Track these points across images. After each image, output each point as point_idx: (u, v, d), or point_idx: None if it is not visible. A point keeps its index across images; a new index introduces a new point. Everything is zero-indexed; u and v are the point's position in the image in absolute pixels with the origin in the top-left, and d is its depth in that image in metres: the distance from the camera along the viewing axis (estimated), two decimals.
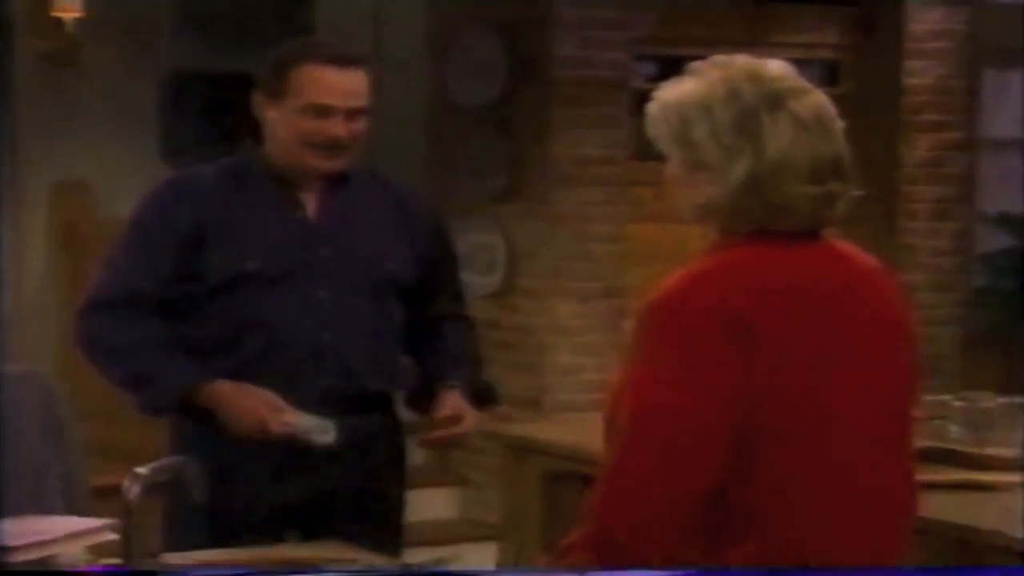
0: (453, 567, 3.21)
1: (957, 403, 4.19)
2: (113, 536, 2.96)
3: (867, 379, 2.35)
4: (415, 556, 3.47)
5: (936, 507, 3.20)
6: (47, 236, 6.87)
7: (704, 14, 6.57)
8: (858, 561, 2.32)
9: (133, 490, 2.70)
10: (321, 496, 3.43)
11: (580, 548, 2.28)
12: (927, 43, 6.85)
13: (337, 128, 3.39)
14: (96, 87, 6.96)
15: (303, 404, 3.34)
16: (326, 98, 3.38)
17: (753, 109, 2.33)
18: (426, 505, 6.07)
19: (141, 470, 2.74)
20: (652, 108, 2.41)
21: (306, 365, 3.39)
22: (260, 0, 7.47)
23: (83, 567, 2.91)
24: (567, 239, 6.27)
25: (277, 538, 3.37)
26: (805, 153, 2.33)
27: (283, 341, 3.39)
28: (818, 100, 2.37)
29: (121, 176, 6.61)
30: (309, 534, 3.40)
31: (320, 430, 3.33)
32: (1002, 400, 4.24)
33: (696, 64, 2.40)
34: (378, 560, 3.11)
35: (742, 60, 2.39)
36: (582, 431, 4.29)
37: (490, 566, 5.72)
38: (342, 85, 3.39)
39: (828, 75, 6.74)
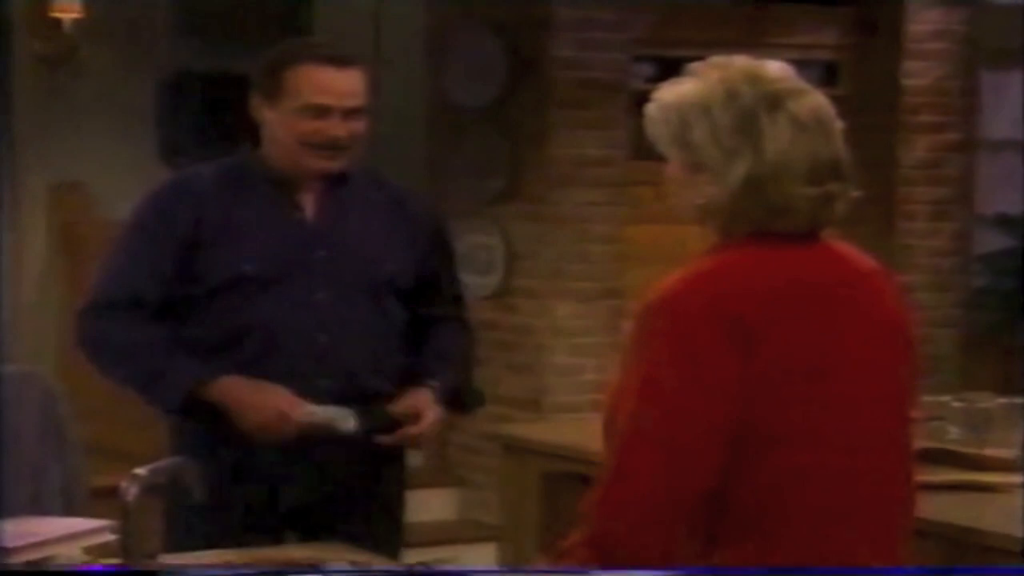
0: (453, 567, 3.21)
1: (956, 404, 4.19)
2: (112, 537, 2.96)
3: (866, 380, 2.35)
4: (414, 557, 3.48)
5: (935, 508, 3.20)
6: (46, 237, 6.87)
7: (703, 15, 6.57)
8: (857, 561, 2.33)
9: (131, 491, 2.70)
10: (321, 496, 3.44)
11: (580, 548, 2.28)
12: (926, 44, 6.85)
13: (335, 128, 3.39)
14: (94, 88, 6.97)
15: None
16: (323, 98, 3.38)
17: (752, 110, 2.33)
18: (425, 506, 6.07)
19: (140, 471, 2.74)
20: (651, 109, 2.41)
21: (304, 367, 3.39)
22: (258, 2, 7.47)
23: (83, 567, 2.91)
24: (566, 240, 6.27)
25: (277, 538, 3.37)
26: (804, 154, 2.33)
27: (281, 343, 3.38)
28: (817, 101, 2.37)
29: (119, 177, 6.61)
30: (309, 534, 3.40)
31: (341, 417, 3.34)
32: (1001, 400, 4.25)
33: (695, 65, 2.40)
34: (378, 560, 3.11)
35: (741, 61, 2.39)
36: (581, 432, 4.29)
37: (489, 567, 5.73)
38: (338, 85, 3.39)
39: (827, 76, 6.73)
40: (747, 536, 2.30)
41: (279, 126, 3.42)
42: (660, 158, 2.41)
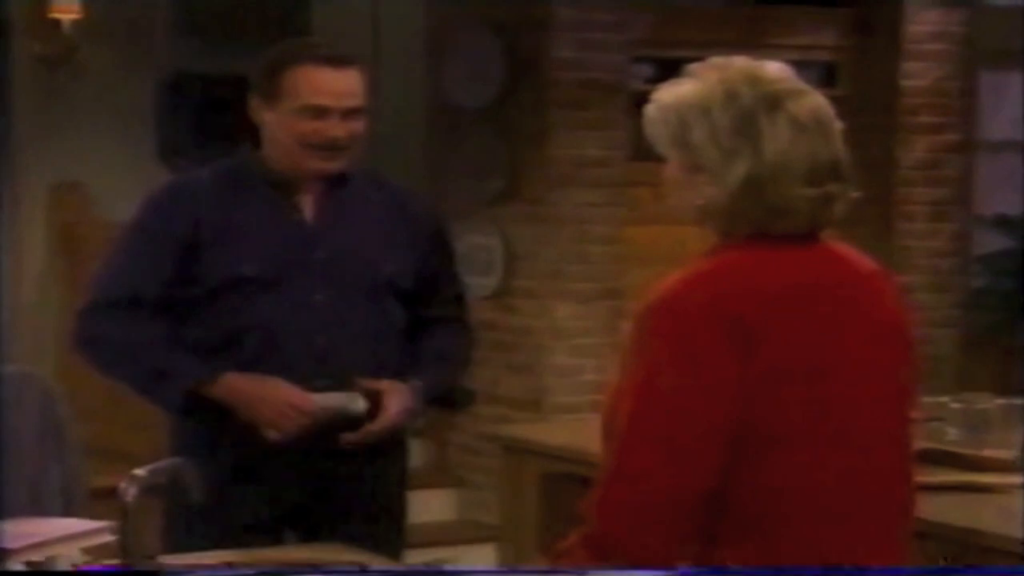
0: (453, 567, 3.22)
1: (955, 404, 4.19)
2: (111, 537, 2.96)
3: (866, 381, 2.35)
4: (414, 557, 3.48)
5: (934, 509, 3.20)
6: (45, 237, 6.87)
7: (702, 16, 6.57)
8: (857, 561, 2.33)
9: (130, 492, 2.70)
10: (321, 497, 3.44)
11: (579, 549, 2.28)
12: (924, 45, 6.85)
13: (334, 128, 3.39)
14: (94, 88, 6.96)
15: None
16: (321, 99, 3.38)
17: (751, 111, 2.33)
18: (425, 506, 6.06)
19: (139, 472, 2.74)
20: (650, 110, 2.41)
21: (304, 368, 3.39)
22: (258, 2, 7.47)
23: (82, 567, 2.91)
24: (565, 240, 6.27)
25: (277, 539, 3.37)
26: (803, 155, 2.33)
27: (280, 344, 3.39)
28: (816, 102, 2.37)
29: (119, 177, 6.61)
30: (309, 535, 3.40)
31: (350, 401, 3.35)
32: (1000, 401, 4.25)
33: (694, 66, 2.40)
34: (378, 561, 3.11)
35: (740, 62, 2.39)
36: (580, 432, 4.29)
37: (489, 567, 5.73)
38: (337, 85, 3.39)
39: (826, 77, 6.74)
40: (747, 536, 2.30)
41: (278, 127, 3.42)
42: (659, 159, 2.41)
